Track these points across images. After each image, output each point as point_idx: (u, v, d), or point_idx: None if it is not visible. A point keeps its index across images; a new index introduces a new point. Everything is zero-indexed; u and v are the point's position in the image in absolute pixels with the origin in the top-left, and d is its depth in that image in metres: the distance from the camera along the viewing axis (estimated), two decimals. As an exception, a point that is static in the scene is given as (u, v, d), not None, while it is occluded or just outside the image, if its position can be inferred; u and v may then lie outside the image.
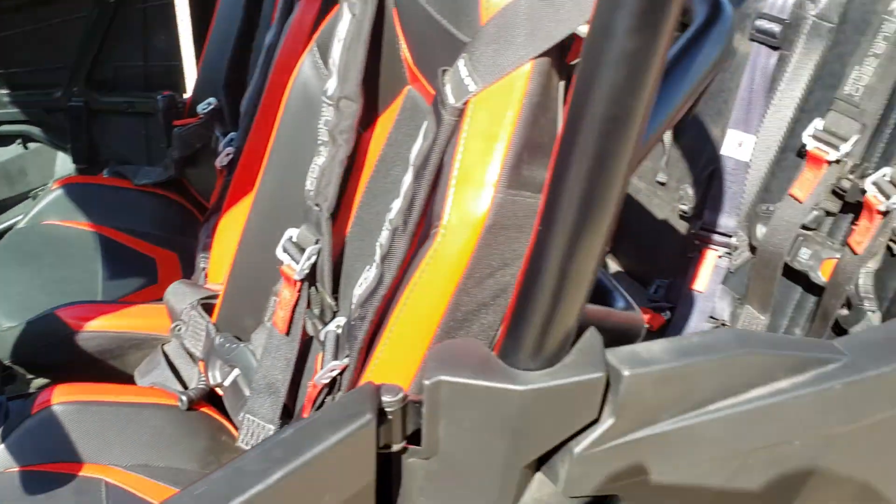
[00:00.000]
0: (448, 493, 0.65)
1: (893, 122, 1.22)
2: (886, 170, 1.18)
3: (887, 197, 1.15)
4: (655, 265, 1.54)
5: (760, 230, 1.35)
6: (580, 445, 0.64)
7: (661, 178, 1.51)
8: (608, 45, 0.51)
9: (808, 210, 1.28)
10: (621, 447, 0.65)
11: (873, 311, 1.20)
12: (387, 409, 0.62)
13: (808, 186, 1.28)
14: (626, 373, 0.62)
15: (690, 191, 1.45)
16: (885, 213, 1.15)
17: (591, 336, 0.63)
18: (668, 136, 1.50)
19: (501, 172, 0.69)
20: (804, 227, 1.30)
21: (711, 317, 1.42)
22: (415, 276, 0.71)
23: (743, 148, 1.38)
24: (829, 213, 1.29)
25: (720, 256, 1.42)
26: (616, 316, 0.73)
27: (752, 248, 1.38)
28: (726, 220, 1.41)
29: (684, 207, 1.46)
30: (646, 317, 1.45)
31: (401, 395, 0.63)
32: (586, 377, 0.61)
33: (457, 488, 0.65)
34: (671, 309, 1.47)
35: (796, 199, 1.30)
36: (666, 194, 1.51)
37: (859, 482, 0.78)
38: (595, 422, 0.64)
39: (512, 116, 0.70)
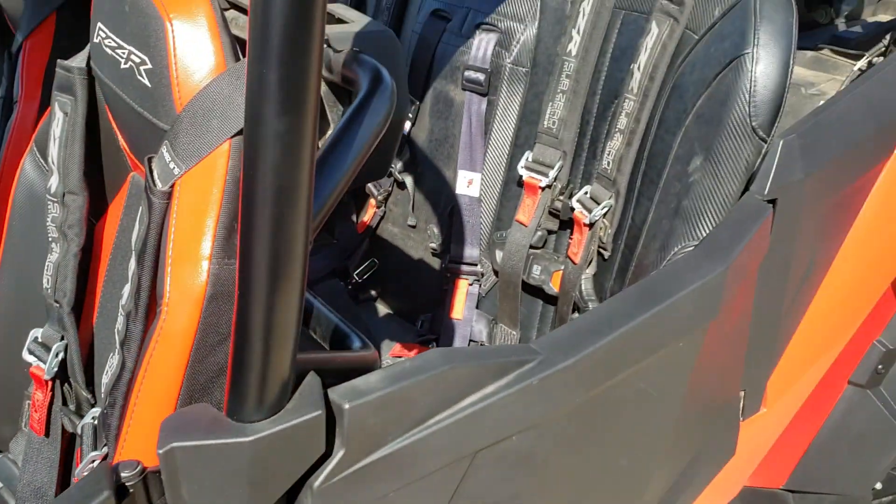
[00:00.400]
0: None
1: (586, 147, 1.39)
2: (587, 188, 1.35)
3: (590, 211, 1.31)
4: (418, 302, 1.65)
5: (499, 255, 1.49)
6: (318, 480, 0.71)
7: (411, 221, 1.63)
8: (262, 129, 0.59)
9: (532, 231, 1.44)
10: (357, 473, 0.73)
11: (597, 310, 1.36)
12: (126, 484, 0.66)
13: (529, 211, 1.44)
14: (346, 406, 0.70)
15: (436, 229, 1.58)
16: (591, 225, 1.32)
17: (311, 380, 0.71)
18: (410, 182, 1.62)
19: (214, 245, 0.76)
20: (532, 247, 1.45)
21: (471, 340, 1.55)
22: (146, 356, 0.76)
23: (473, 185, 1.53)
24: (550, 232, 1.45)
25: (471, 284, 1.55)
26: (342, 358, 0.81)
27: (496, 272, 1.52)
28: (470, 251, 1.54)
29: (433, 245, 1.58)
30: (413, 351, 1.56)
31: (139, 469, 0.67)
32: (306, 417, 0.68)
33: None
34: (436, 340, 1.58)
35: (522, 223, 1.45)
36: (417, 235, 1.63)
37: (573, 464, 0.90)
38: (328, 456, 0.72)
39: (217, 193, 0.77)
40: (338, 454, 0.71)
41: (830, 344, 1.24)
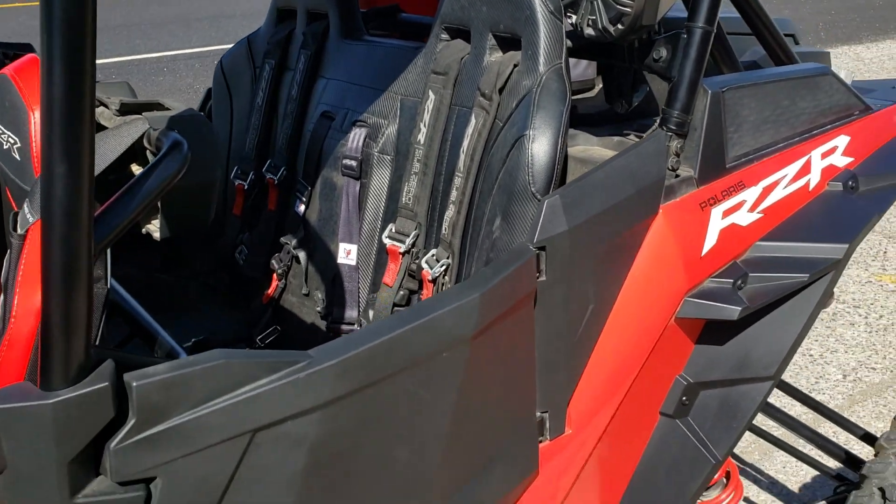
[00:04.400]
0: (16, 494, 0.93)
1: (436, 217, 1.66)
2: (433, 251, 1.61)
3: (432, 268, 1.57)
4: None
5: (370, 314, 1.74)
6: (114, 442, 0.95)
7: (305, 290, 1.89)
8: (55, 182, 0.86)
9: (395, 291, 1.69)
10: (147, 439, 0.96)
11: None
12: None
13: (392, 274, 1.69)
14: (134, 384, 0.94)
15: (321, 295, 1.83)
16: (434, 281, 1.57)
17: (107, 363, 0.95)
18: (303, 256, 1.89)
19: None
20: (396, 305, 1.69)
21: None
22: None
23: (351, 255, 1.79)
24: (412, 291, 1.70)
25: (352, 342, 1.79)
26: (140, 359, 1.06)
27: (372, 330, 1.76)
28: (349, 313, 1.79)
29: (319, 309, 1.84)
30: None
31: None
32: (96, 387, 0.92)
33: (24, 487, 0.93)
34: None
35: (387, 285, 1.70)
36: (310, 302, 1.89)
37: (347, 450, 1.12)
38: (124, 423, 0.95)
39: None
40: (129, 422, 0.95)
41: (624, 374, 1.45)
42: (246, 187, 2.07)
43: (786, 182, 1.58)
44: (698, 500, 1.80)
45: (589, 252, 1.35)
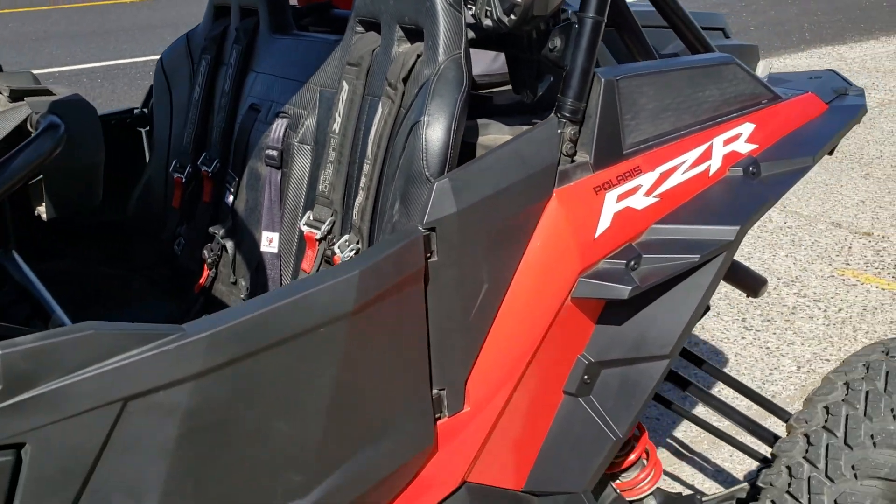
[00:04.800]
0: None
1: (351, 204, 1.71)
2: (346, 236, 1.66)
3: (342, 253, 1.62)
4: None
5: None
6: (-18, 408, 1.00)
7: (232, 279, 1.94)
8: None
9: (314, 277, 1.73)
10: (17, 405, 1.01)
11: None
12: None
13: (310, 261, 1.74)
14: (0, 352, 0.99)
15: (245, 283, 1.88)
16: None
17: None
18: (231, 246, 1.94)
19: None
20: (313, 290, 1.74)
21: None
22: None
23: (273, 243, 1.84)
24: (329, 277, 1.75)
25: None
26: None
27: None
28: (272, 300, 1.84)
29: (243, 297, 1.89)
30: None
31: None
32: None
33: None
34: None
35: (305, 271, 1.75)
36: (237, 290, 1.94)
37: (226, 419, 1.16)
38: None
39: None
40: (-2, 389, 1.00)
41: (522, 353, 1.50)
42: (184, 180, 2.12)
43: (685, 167, 1.62)
44: (616, 483, 1.85)
45: (480, 234, 1.40)
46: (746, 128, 1.73)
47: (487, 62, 1.87)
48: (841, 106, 1.92)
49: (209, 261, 1.97)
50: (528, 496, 1.65)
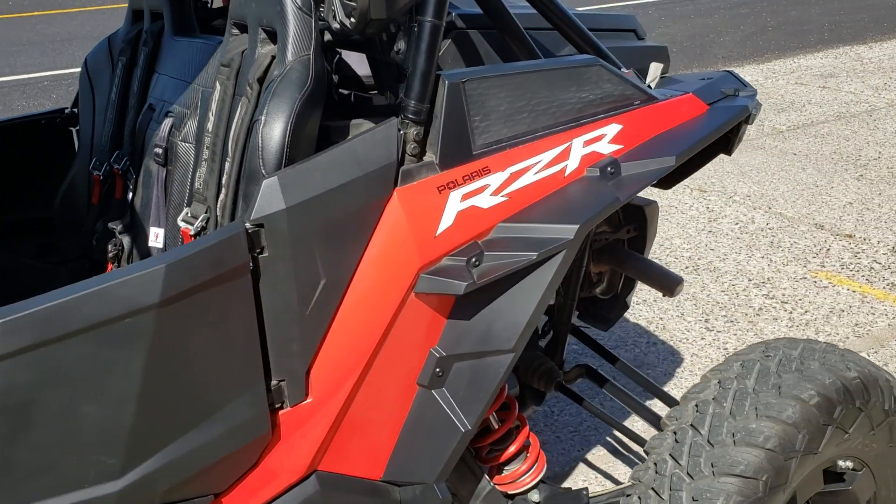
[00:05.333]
0: None
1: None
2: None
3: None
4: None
5: None
6: None
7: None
8: None
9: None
10: None
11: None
12: None
13: (187, 255, 1.81)
14: None
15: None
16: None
17: None
18: (127, 242, 2.02)
19: None
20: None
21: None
22: None
23: (158, 239, 1.91)
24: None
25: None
26: None
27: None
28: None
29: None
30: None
31: None
32: None
33: None
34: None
35: (184, 265, 1.81)
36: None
37: (24, 400, 1.23)
38: None
39: None
40: None
41: (365, 346, 1.55)
42: (101, 178, 2.20)
43: (538, 168, 1.66)
44: (496, 476, 1.89)
45: (313, 230, 1.45)
46: (612, 129, 1.76)
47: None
48: (723, 107, 1.93)
49: (111, 255, 2.05)
50: (386, 486, 1.70)
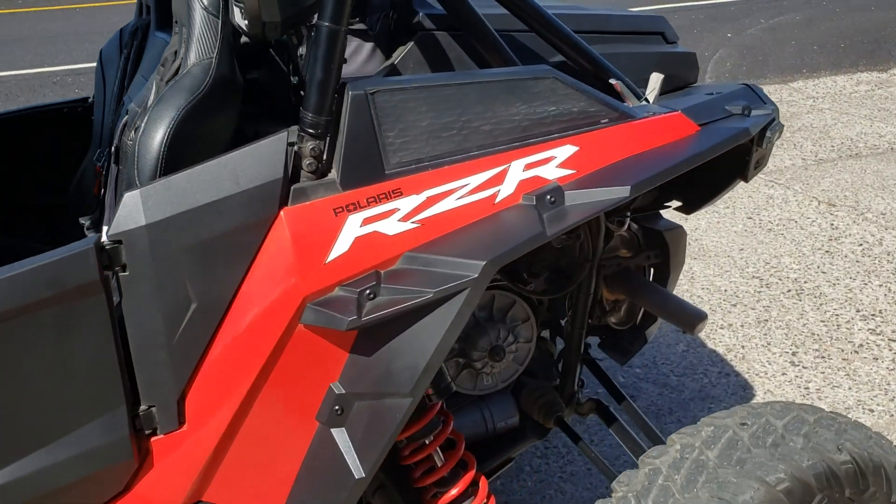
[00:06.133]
0: None
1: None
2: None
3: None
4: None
5: None
6: None
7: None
8: None
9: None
10: None
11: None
12: None
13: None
14: None
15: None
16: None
17: None
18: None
19: None
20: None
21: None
22: None
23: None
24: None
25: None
26: None
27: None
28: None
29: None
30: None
31: None
32: None
33: None
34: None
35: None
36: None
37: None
38: None
39: None
40: None
41: (243, 376, 1.43)
42: (101, 169, 2.20)
43: (463, 192, 1.47)
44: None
45: (179, 249, 1.35)
46: (563, 151, 1.54)
47: (359, 64, 1.78)
48: (718, 128, 1.66)
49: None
50: (286, 524, 1.58)
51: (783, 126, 1.78)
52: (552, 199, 1.49)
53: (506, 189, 1.49)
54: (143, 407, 1.41)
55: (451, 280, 1.38)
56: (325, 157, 1.41)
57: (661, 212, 2.21)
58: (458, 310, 1.39)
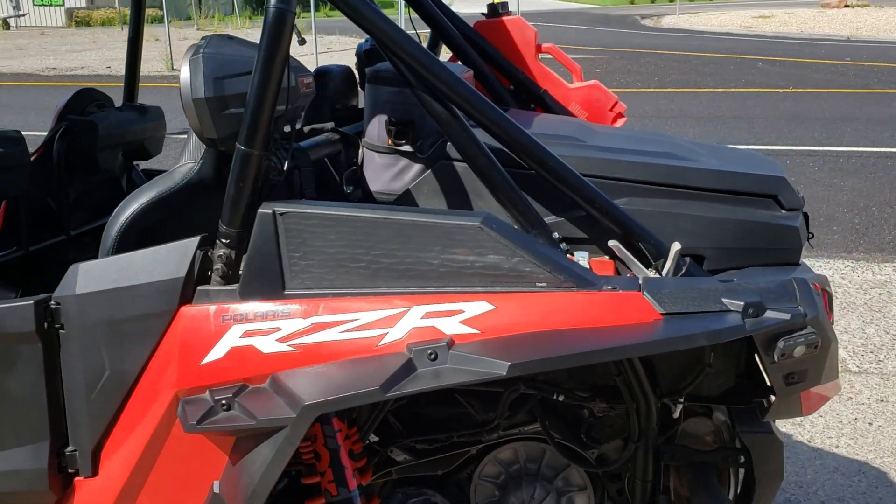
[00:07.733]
0: None
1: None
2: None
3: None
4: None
5: None
6: None
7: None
8: None
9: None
10: None
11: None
12: None
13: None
14: None
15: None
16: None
17: None
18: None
19: None
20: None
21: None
22: None
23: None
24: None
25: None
26: None
27: None
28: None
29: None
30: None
31: None
32: None
33: None
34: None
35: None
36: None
37: None
38: None
39: None
40: None
41: (134, 447, 1.54)
42: None
43: (349, 327, 1.42)
44: None
45: (99, 321, 1.53)
46: (475, 307, 1.39)
47: (386, 181, 1.81)
48: (683, 322, 1.34)
49: None
50: None
51: (818, 340, 1.36)
52: (432, 356, 1.36)
53: (395, 333, 1.40)
54: (69, 448, 1.61)
55: (279, 414, 1.35)
56: (234, 265, 1.48)
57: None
58: (279, 446, 1.35)
